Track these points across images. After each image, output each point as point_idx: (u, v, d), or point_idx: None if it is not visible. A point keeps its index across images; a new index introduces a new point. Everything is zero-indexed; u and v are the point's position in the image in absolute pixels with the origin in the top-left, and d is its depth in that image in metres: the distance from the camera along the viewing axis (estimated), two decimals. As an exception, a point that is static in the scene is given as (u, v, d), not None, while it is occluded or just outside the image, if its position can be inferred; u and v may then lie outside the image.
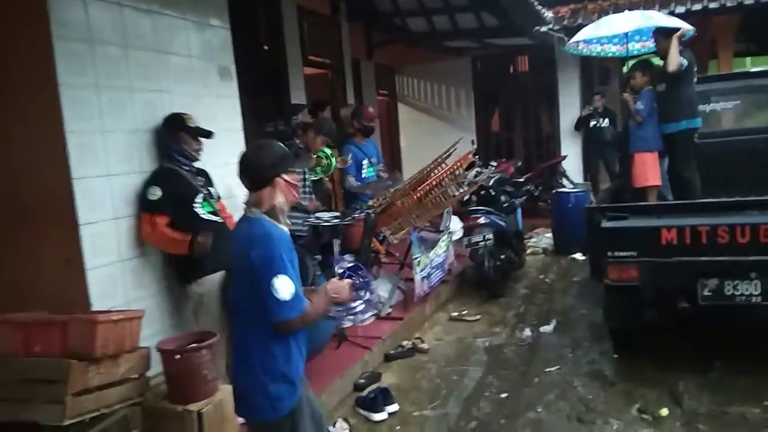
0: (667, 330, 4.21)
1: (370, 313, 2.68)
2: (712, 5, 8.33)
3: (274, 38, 6.02)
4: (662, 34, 4.91)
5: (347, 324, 2.99)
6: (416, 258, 5.11)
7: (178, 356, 2.87)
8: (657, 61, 5.14)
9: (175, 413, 2.84)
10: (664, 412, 3.44)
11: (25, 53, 2.90)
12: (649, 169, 4.91)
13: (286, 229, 2.21)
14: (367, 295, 2.62)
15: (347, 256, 3.06)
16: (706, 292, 3.52)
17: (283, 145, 2.32)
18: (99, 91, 3.08)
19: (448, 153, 5.61)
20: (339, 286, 2.35)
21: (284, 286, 2.04)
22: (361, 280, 2.66)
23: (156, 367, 2.95)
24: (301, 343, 2.24)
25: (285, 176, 2.19)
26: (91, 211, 3.01)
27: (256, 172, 2.18)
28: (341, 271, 2.63)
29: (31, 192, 3.00)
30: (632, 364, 4.11)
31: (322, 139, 4.88)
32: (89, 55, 3.04)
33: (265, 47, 5.96)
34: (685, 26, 4.89)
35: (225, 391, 3.02)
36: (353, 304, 2.55)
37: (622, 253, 3.64)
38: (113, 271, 3.15)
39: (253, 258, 2.06)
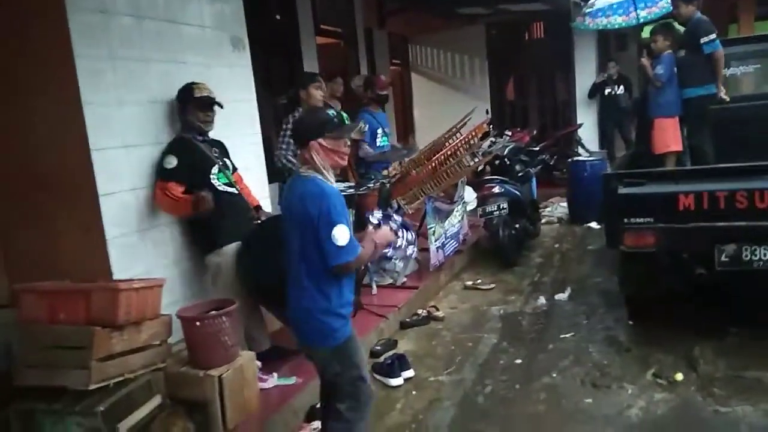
0: (683, 296, 4.20)
1: (413, 249, 2.96)
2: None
3: (286, 7, 5.97)
4: (683, 0, 4.81)
5: (399, 265, 3.23)
6: (431, 228, 5.13)
7: (198, 323, 2.94)
8: (678, 25, 5.04)
9: (196, 378, 2.91)
10: (679, 376, 3.46)
11: (41, 25, 2.91)
12: (669, 135, 4.86)
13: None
14: (407, 235, 2.88)
15: (375, 211, 3.24)
16: (723, 258, 3.50)
17: (329, 112, 2.52)
18: (114, 63, 3.09)
19: (462, 123, 5.58)
20: (383, 232, 2.64)
21: (342, 234, 2.30)
22: (396, 224, 2.90)
23: (177, 334, 3.02)
24: (350, 286, 2.50)
25: (321, 141, 2.37)
26: (109, 182, 3.05)
27: (295, 134, 2.52)
28: (376, 222, 2.88)
29: (51, 163, 3.04)
30: (647, 331, 4.12)
31: (314, 87, 4.59)
32: (103, 26, 3.04)
33: (278, 17, 5.91)
34: None
35: (245, 357, 3.10)
36: (399, 243, 2.84)
37: (638, 220, 3.62)
38: (133, 241, 3.20)
39: (312, 212, 2.30)
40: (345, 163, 2.51)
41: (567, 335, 4.24)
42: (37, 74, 2.97)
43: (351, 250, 2.34)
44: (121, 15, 3.16)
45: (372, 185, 4.75)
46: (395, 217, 2.93)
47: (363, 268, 4.66)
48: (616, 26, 6.91)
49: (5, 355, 2.83)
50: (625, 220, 3.66)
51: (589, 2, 6.98)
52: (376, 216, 2.85)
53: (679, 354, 3.73)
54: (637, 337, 4.06)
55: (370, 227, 2.75)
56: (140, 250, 3.25)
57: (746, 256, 3.46)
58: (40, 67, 2.96)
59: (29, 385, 2.64)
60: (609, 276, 5.19)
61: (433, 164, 5.13)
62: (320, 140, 2.36)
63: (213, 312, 2.97)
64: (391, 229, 2.80)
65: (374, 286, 4.92)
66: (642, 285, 4.07)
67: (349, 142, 2.50)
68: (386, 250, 2.83)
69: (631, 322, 4.28)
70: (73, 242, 3.08)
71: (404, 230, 2.92)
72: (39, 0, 2.89)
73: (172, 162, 3.27)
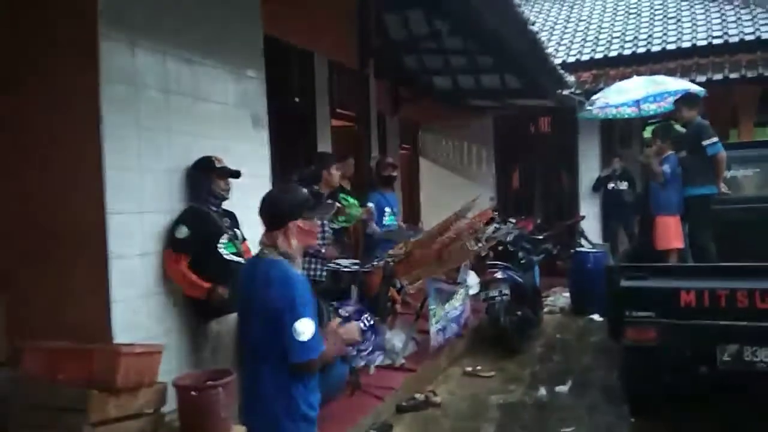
0: (687, 394, 4.12)
1: (379, 353, 2.73)
2: (733, 76, 8.51)
3: (305, 90, 6.26)
4: (685, 104, 5.06)
5: (360, 364, 3.03)
6: (432, 309, 5.12)
7: (194, 393, 2.89)
8: (678, 127, 5.27)
9: (186, 450, 2.84)
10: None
11: (73, 92, 3.07)
12: (671, 232, 4.96)
13: (301, 272, 2.26)
14: (374, 338, 2.66)
15: (350, 301, 3.11)
16: (725, 357, 3.48)
17: (306, 192, 2.42)
18: (139, 132, 3.24)
19: (468, 208, 5.71)
20: (350, 327, 2.45)
21: (305, 329, 2.10)
22: (366, 323, 2.70)
23: (171, 403, 2.97)
24: (316, 383, 2.27)
25: (300, 223, 2.24)
26: (121, 246, 3.11)
27: (271, 214, 2.26)
28: (346, 315, 2.65)
29: (64, 222, 3.11)
30: (650, 429, 4.02)
31: (335, 168, 4.84)
32: (133, 97, 3.21)
33: (296, 99, 6.19)
34: (695, 89, 5.05)
35: (238, 431, 3.03)
36: (363, 346, 2.60)
37: (640, 313, 3.63)
38: (137, 305, 3.22)
39: (273, 300, 2.12)
40: (316, 242, 2.43)
41: (567, 429, 4.13)
42: (62, 136, 3.11)
43: (314, 347, 2.13)
44: (151, 89, 3.34)
45: (377, 263, 4.80)
46: (366, 317, 2.69)
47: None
48: (625, 116, 7.22)
49: (4, 414, 2.79)
50: (627, 314, 3.67)
51: (597, 96, 7.32)
52: (346, 309, 2.65)
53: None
54: (638, 434, 3.97)
55: (336, 321, 2.54)
56: (143, 315, 3.26)
57: (748, 356, 3.44)
58: (65, 130, 3.10)
59: (19, 446, 2.59)
60: (611, 370, 5.11)
61: (438, 246, 5.19)
62: (299, 222, 2.24)
63: (209, 382, 2.94)
64: (359, 328, 2.59)
65: (372, 366, 4.86)
66: (644, 380, 4.01)
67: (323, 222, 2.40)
68: (350, 350, 2.59)
69: (633, 419, 4.18)
70: (77, 301, 3.09)
71: (374, 335, 2.67)
72: (75, 67, 3.06)
73: (183, 232, 3.35)
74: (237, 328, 3.22)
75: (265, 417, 2.20)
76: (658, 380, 3.85)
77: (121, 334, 3.08)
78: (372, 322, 2.89)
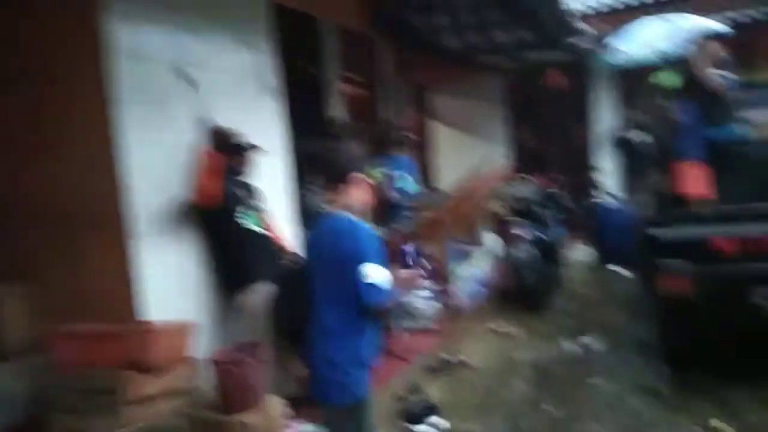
0: (723, 343, 4.06)
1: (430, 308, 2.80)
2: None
3: (313, 57, 6.15)
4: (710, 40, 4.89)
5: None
6: (454, 270, 5.10)
7: (227, 367, 2.91)
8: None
9: (223, 423, 2.87)
10: (720, 425, 3.33)
11: (84, 71, 3.03)
12: (692, 178, 4.81)
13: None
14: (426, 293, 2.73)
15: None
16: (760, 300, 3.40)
17: (360, 148, 2.51)
18: (152, 107, 3.19)
19: (483, 168, 5.63)
20: (412, 274, 2.60)
21: (377, 273, 2.17)
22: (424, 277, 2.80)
23: (206, 378, 2.99)
24: (376, 333, 2.38)
25: (360, 174, 2.31)
26: (144, 223, 3.09)
27: (333, 167, 2.32)
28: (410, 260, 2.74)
29: (86, 206, 3.10)
30: (684, 377, 3.98)
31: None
32: (145, 72, 3.15)
33: (306, 66, 6.08)
34: (719, 27, 4.86)
35: (272, 402, 3.05)
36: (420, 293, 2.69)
37: (672, 262, 3.55)
38: (165, 283, 3.21)
39: (345, 250, 2.19)
40: (371, 196, 2.47)
41: (598, 381, 4.13)
42: (75, 116, 3.08)
43: (385, 291, 2.21)
44: (162, 62, 3.27)
45: (397, 226, 4.76)
46: (426, 263, 2.79)
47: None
48: (646, 62, 7.06)
49: (40, 400, 2.82)
50: (659, 263, 3.60)
51: (616, 44, 7.12)
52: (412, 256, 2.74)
53: (718, 401, 3.61)
54: (674, 384, 3.93)
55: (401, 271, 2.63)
56: (172, 292, 3.25)
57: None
58: (81, 111, 3.07)
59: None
60: (637, 321, 5.07)
61: (456, 207, 5.14)
62: (359, 174, 2.32)
63: (242, 356, 2.95)
64: (420, 275, 2.69)
65: (398, 329, 4.86)
66: (678, 331, 3.95)
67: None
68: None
69: (665, 367, 4.14)
70: (106, 284, 3.09)
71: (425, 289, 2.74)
72: (83, 44, 3.00)
73: None
74: (272, 300, 3.22)
75: (331, 363, 2.26)
76: (694, 330, 3.78)
77: (152, 313, 3.07)
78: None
